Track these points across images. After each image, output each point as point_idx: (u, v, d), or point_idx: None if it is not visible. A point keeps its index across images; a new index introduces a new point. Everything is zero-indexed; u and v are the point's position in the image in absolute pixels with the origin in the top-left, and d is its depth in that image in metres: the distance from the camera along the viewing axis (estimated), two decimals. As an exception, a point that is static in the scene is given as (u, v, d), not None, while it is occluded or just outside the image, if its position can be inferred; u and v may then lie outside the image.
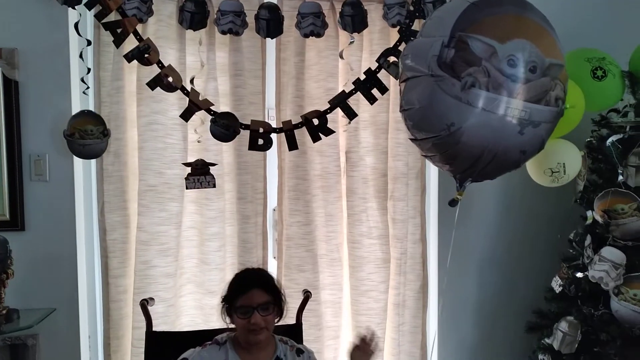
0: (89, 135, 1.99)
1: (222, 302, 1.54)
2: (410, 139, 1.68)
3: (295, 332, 1.75)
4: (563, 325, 2.12)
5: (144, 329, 1.81)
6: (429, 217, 2.42)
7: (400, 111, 1.66)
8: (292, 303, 2.19)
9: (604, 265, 1.99)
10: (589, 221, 2.16)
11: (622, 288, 1.95)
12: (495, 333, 2.50)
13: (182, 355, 1.53)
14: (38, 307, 2.01)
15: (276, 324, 1.57)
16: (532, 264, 2.48)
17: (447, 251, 2.40)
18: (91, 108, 2.09)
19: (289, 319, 2.14)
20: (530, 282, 2.47)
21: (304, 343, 1.75)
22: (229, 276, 2.15)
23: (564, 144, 2.01)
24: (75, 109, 2.07)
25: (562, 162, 1.97)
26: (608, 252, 2.00)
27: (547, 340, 2.21)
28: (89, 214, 2.19)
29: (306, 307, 1.84)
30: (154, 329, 1.82)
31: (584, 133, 2.19)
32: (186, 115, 2.02)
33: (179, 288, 2.17)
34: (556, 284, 2.24)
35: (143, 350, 1.81)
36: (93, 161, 2.14)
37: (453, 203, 1.71)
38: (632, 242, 2.00)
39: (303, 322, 1.82)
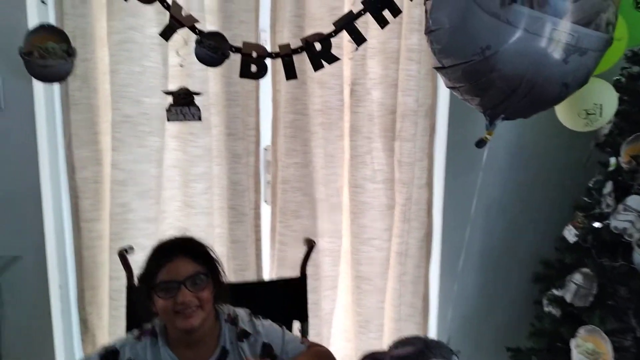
0: (50, 54, 1.66)
1: (139, 282, 1.22)
2: (436, 68, 1.45)
3: (298, 285, 1.55)
4: (577, 277, 1.98)
5: (123, 280, 1.59)
6: (435, 160, 2.22)
7: (425, 33, 1.42)
8: (288, 252, 2.02)
9: (629, 215, 1.83)
10: (612, 167, 2.00)
11: (648, 240, 1.80)
12: (498, 283, 2.38)
13: (113, 343, 1.25)
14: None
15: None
16: (541, 211, 2.34)
17: (453, 197, 2.26)
18: (51, 21, 1.77)
19: (288, 269, 1.98)
20: (538, 230, 2.34)
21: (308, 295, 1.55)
22: (217, 221, 1.96)
23: (600, 83, 1.79)
24: (32, 22, 1.75)
25: (599, 103, 1.75)
26: (634, 201, 1.83)
27: (557, 292, 2.09)
28: (54, 149, 1.91)
29: (303, 257, 1.65)
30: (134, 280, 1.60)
31: (609, 71, 1.98)
32: (167, 34, 1.70)
33: (161, 234, 1.93)
34: (570, 234, 2.10)
35: (122, 303, 1.60)
36: (56, 86, 1.84)
37: (481, 144, 1.50)
38: (659, 190, 1.85)
39: (299, 272, 1.62)
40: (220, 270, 1.25)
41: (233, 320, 1.28)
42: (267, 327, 1.30)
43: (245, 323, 1.28)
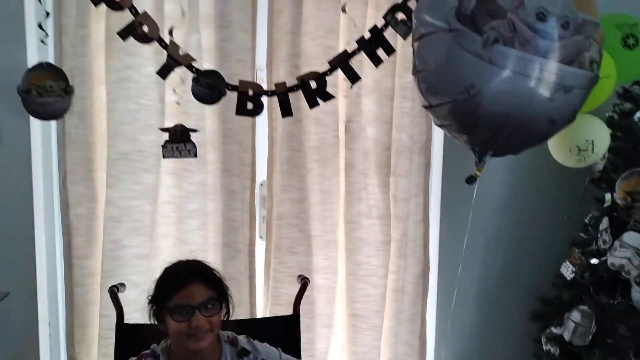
0: (48, 92, 1.70)
1: (149, 303, 1.28)
2: (424, 106, 1.47)
3: (292, 324, 1.53)
4: (575, 315, 1.95)
5: (113, 318, 1.58)
6: (431, 196, 2.22)
7: (413, 74, 1.46)
8: (282, 289, 1.99)
9: (626, 252, 1.82)
10: (608, 203, 2.00)
11: (645, 277, 1.78)
12: (497, 320, 2.34)
13: None
14: (-12, 291, 1.74)
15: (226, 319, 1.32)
16: (538, 247, 2.32)
17: (449, 233, 2.25)
18: (51, 60, 1.80)
19: (282, 307, 1.95)
20: (535, 267, 2.31)
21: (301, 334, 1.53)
22: (211, 258, 1.94)
23: (592, 120, 1.81)
24: (32, 61, 1.78)
25: (590, 139, 1.77)
26: (631, 237, 1.82)
27: (555, 330, 2.06)
28: (49, 185, 1.92)
29: (298, 294, 1.63)
30: (125, 318, 1.58)
31: (601, 108, 2.01)
32: (164, 72, 1.73)
33: (154, 271, 1.91)
34: (567, 271, 2.08)
35: (112, 341, 1.58)
36: (53, 124, 1.86)
37: (471, 180, 1.50)
38: (654, 227, 1.84)
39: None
40: (229, 294, 1.32)
41: (232, 341, 1.35)
42: (265, 347, 1.37)
43: (244, 343, 1.36)
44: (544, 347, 2.10)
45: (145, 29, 1.68)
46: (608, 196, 2.00)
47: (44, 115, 1.74)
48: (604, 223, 1.95)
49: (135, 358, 1.30)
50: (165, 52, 1.72)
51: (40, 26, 1.70)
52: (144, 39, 1.70)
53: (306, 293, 1.90)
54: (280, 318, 1.64)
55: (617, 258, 1.83)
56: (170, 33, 1.74)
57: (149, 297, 1.28)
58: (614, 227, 1.92)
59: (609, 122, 1.99)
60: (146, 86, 1.83)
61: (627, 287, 1.82)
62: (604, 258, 1.89)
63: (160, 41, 1.71)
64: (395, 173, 2.07)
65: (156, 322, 1.28)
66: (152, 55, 1.82)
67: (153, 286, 1.29)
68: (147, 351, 1.32)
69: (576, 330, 1.94)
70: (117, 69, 1.79)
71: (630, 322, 1.83)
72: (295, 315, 1.57)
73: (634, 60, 1.83)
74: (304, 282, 1.60)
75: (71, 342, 1.87)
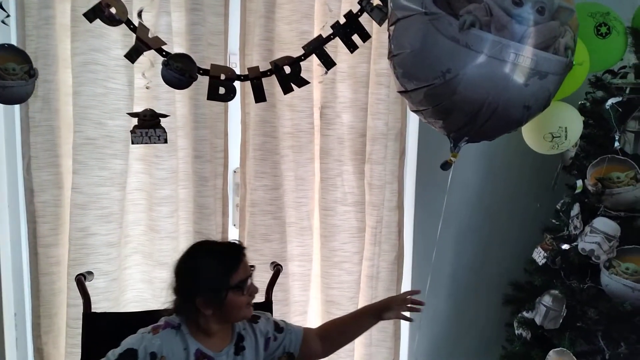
0: (10, 75, 1.62)
1: (201, 298, 1.24)
2: (399, 92, 1.46)
3: (264, 310, 1.51)
4: (547, 299, 1.99)
5: (81, 307, 1.54)
6: (405, 183, 2.22)
7: (388, 58, 1.45)
8: (256, 277, 1.97)
9: (596, 237, 1.85)
10: (579, 190, 2.02)
11: (614, 261, 1.82)
12: (469, 305, 2.36)
13: (126, 345, 1.23)
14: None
15: None
16: (510, 233, 2.35)
17: (423, 219, 2.26)
18: (13, 42, 1.73)
19: (258, 295, 1.93)
20: (507, 252, 2.34)
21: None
22: (183, 245, 1.90)
23: (564, 107, 1.83)
24: (-7, 42, 1.69)
25: (564, 126, 1.79)
26: (601, 223, 1.85)
27: (527, 315, 2.09)
28: (13, 172, 1.86)
29: (272, 282, 1.61)
30: (94, 307, 1.55)
31: (574, 96, 2.03)
32: (132, 56, 1.68)
33: (124, 259, 1.88)
34: (539, 256, 2.11)
35: (79, 331, 1.54)
36: (16, 108, 1.79)
37: (446, 166, 1.50)
38: (624, 212, 1.87)
39: (268, 297, 1.60)
40: None
41: None
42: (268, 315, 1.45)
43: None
44: (516, 331, 2.13)
45: (113, 10, 1.62)
46: (579, 183, 2.02)
47: (6, 99, 1.66)
48: (575, 209, 1.98)
49: (148, 331, 1.26)
50: (134, 35, 1.67)
51: (1, 6, 1.63)
52: (112, 21, 1.64)
53: (281, 280, 1.89)
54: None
55: (587, 243, 1.86)
56: (139, 15, 1.68)
57: (204, 288, 1.24)
58: (584, 213, 1.95)
59: (582, 110, 2.01)
60: (114, 69, 1.78)
61: (596, 271, 1.85)
62: (575, 243, 1.92)
63: (129, 23, 1.66)
64: (371, 160, 2.06)
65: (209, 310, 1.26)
66: (120, 38, 1.76)
67: (195, 278, 1.26)
68: (160, 323, 1.28)
69: (547, 314, 1.97)
70: (83, 52, 1.73)
71: (600, 305, 1.87)
72: (268, 302, 1.55)
73: (606, 48, 1.85)
74: (277, 269, 1.59)
75: (38, 333, 1.83)
